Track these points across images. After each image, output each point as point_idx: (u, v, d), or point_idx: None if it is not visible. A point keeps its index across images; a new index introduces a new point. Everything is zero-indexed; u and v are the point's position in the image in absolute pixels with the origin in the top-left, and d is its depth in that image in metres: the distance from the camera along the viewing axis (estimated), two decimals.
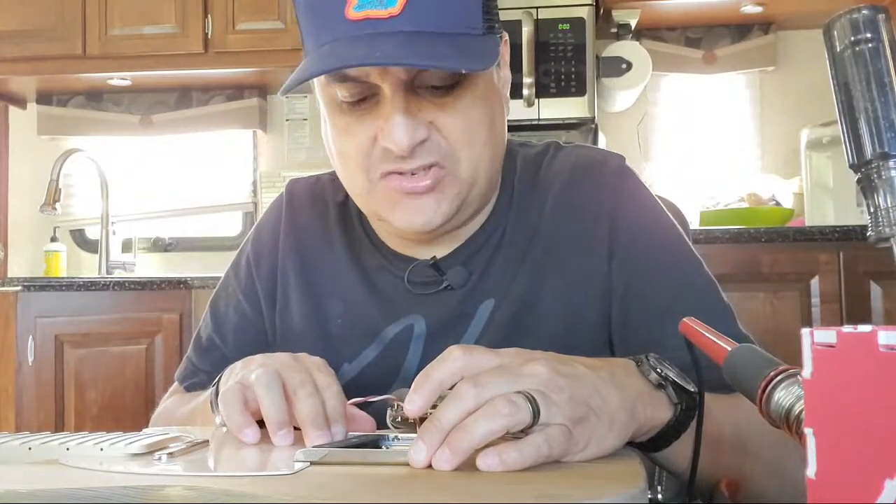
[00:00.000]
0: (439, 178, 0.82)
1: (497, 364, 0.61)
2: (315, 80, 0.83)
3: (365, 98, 0.81)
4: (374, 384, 0.86)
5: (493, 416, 0.55)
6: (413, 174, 0.81)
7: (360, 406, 0.76)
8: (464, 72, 0.77)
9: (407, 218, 0.84)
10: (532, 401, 0.56)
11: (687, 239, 0.92)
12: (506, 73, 0.89)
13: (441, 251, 0.92)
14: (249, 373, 0.73)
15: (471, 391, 0.57)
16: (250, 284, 1.00)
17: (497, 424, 0.55)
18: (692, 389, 0.67)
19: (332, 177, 1.01)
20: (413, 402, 0.59)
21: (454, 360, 0.60)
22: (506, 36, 0.88)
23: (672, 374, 0.67)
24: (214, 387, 0.81)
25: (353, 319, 0.93)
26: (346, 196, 0.99)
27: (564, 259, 0.89)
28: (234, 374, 0.77)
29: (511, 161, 0.95)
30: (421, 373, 0.61)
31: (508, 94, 0.90)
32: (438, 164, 0.81)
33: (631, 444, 0.65)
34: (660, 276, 0.87)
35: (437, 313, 0.90)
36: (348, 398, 0.75)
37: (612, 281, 0.87)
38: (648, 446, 0.68)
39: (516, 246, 0.91)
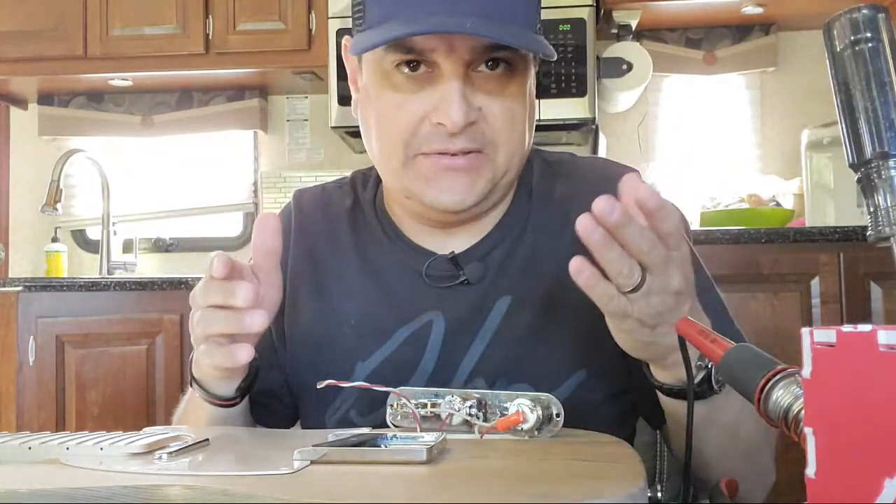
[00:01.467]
0: (479, 162, 0.85)
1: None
2: (367, 55, 0.87)
3: (420, 75, 0.84)
4: (390, 381, 0.87)
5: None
6: (453, 156, 0.85)
7: (364, 392, 0.77)
8: (540, 56, 0.83)
9: (441, 195, 0.87)
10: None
11: (697, 255, 0.94)
12: (534, 71, 0.92)
13: (458, 245, 0.94)
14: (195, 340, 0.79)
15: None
16: None
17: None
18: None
19: (338, 184, 1.05)
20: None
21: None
22: None
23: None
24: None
25: (367, 320, 0.94)
26: (355, 201, 1.01)
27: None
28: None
29: (528, 163, 0.97)
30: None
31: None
32: (480, 150, 0.85)
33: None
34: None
35: (454, 308, 0.92)
36: (362, 409, 0.76)
37: None
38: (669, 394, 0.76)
39: (536, 248, 0.93)
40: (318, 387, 0.78)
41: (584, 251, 0.88)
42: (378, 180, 1.02)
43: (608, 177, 0.94)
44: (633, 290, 0.67)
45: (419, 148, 0.85)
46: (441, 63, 0.83)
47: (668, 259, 0.67)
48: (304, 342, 0.96)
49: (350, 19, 0.91)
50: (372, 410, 0.89)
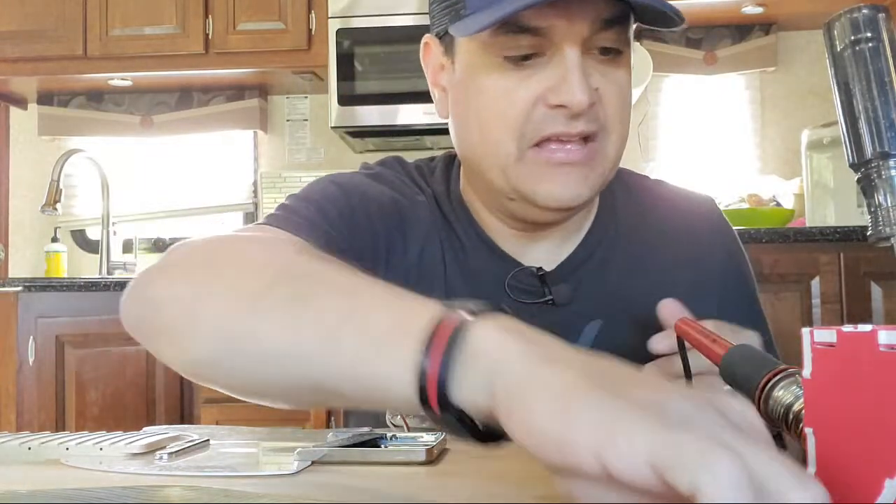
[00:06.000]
0: (592, 153, 0.80)
1: None
2: (465, 39, 0.81)
3: (530, 57, 0.79)
4: None
5: None
6: (568, 145, 0.79)
7: None
8: (677, 23, 0.77)
9: (555, 190, 0.81)
10: None
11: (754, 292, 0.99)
12: None
13: (540, 254, 0.89)
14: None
15: None
16: (349, 230, 0.86)
17: None
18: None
19: (395, 173, 0.94)
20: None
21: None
22: None
23: None
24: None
25: None
26: (434, 193, 0.93)
27: (678, 290, 0.85)
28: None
29: (613, 181, 0.90)
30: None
31: None
32: (596, 135, 0.80)
33: None
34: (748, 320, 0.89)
35: (540, 326, 0.85)
36: None
37: (720, 313, 0.84)
38: None
39: (628, 273, 0.90)
40: None
41: (677, 278, 0.90)
42: (449, 175, 0.94)
43: (685, 206, 0.97)
44: None
45: (534, 136, 0.79)
46: (557, 40, 0.77)
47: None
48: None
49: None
50: None
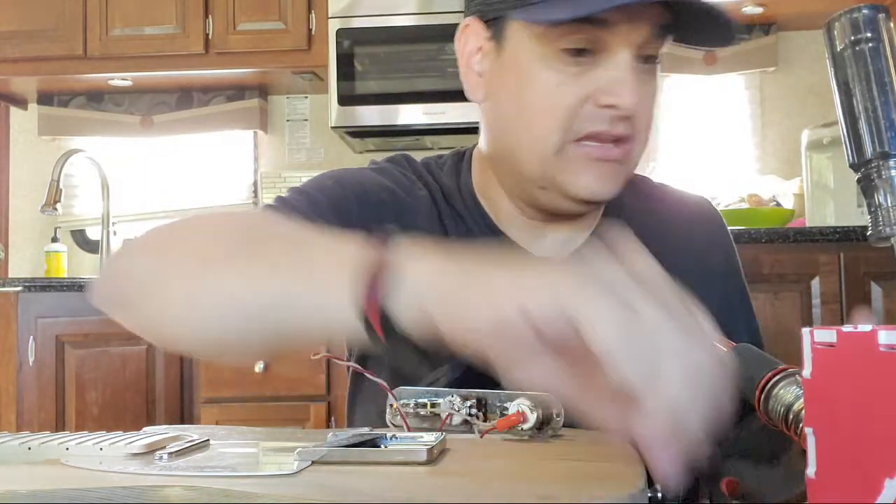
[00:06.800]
0: (625, 153, 0.84)
1: None
2: (520, 26, 0.83)
3: (584, 52, 0.81)
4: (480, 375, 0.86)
5: None
6: (606, 143, 0.83)
7: (358, 375, 0.76)
8: (733, 37, 0.82)
9: (591, 184, 0.84)
10: None
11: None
12: None
13: (549, 244, 0.92)
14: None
15: None
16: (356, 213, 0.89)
17: None
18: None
19: (399, 169, 0.95)
20: None
21: None
22: None
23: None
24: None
25: None
26: (441, 187, 0.94)
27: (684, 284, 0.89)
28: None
29: None
30: None
31: None
32: (629, 137, 0.84)
33: None
34: (743, 319, 0.97)
35: None
36: (456, 376, 0.75)
37: (720, 309, 0.88)
38: None
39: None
40: (312, 357, 0.76)
41: (683, 273, 0.89)
42: (459, 170, 0.96)
43: (685, 204, 1.02)
44: None
45: (579, 132, 0.82)
46: (616, 41, 0.80)
47: None
48: None
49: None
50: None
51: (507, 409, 0.72)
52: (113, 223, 3.15)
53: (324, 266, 0.56)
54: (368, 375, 0.80)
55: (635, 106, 0.81)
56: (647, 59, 0.83)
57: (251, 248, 0.61)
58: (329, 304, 0.55)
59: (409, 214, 0.91)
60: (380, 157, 1.00)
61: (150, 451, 0.62)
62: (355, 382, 1.00)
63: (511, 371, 0.49)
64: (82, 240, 3.36)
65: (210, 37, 2.91)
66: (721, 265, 1.00)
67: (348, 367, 0.92)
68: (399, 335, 0.52)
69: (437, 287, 0.51)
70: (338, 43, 2.75)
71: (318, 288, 0.55)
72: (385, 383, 0.77)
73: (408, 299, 0.51)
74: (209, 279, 0.60)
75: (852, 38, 0.48)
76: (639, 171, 0.99)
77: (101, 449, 0.62)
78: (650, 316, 0.46)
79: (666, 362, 0.45)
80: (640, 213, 0.97)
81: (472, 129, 1.07)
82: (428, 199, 0.92)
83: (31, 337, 2.57)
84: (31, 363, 2.57)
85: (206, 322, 0.61)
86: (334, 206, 0.87)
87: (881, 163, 0.47)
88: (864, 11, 0.48)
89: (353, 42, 2.75)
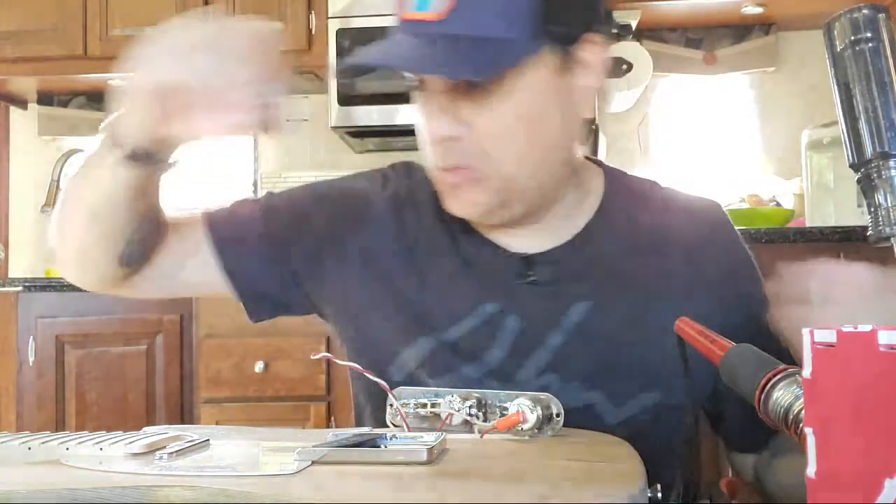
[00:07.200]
0: (472, 178, 0.85)
1: None
2: None
3: (421, 86, 0.86)
4: (459, 358, 0.89)
5: None
6: (454, 171, 0.86)
7: (438, 351, 0.77)
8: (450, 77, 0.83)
9: (454, 206, 0.89)
10: None
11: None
12: (588, 79, 0.87)
13: (530, 244, 0.93)
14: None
15: None
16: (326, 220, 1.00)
17: None
18: None
19: (397, 173, 1.03)
20: None
21: None
22: (597, 44, 0.87)
23: None
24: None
25: (450, 295, 0.93)
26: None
27: (677, 292, 0.91)
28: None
29: (613, 182, 0.97)
30: None
31: (590, 101, 0.90)
32: (469, 167, 0.85)
33: None
34: (756, 320, 0.91)
35: (528, 305, 0.91)
36: (433, 371, 0.79)
37: (724, 320, 0.86)
38: None
39: (625, 266, 0.92)
40: (313, 357, 0.78)
41: (677, 273, 0.93)
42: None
43: (687, 210, 0.99)
44: None
45: (437, 162, 0.87)
46: (426, 79, 0.84)
47: None
48: (386, 302, 0.94)
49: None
50: (446, 372, 0.89)
51: (507, 409, 0.72)
52: None
53: (99, 153, 0.86)
54: (368, 375, 0.80)
55: (446, 134, 0.83)
56: (474, 84, 0.82)
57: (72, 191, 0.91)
58: (110, 163, 0.83)
59: (366, 211, 0.98)
60: (379, 157, 1.04)
61: (150, 451, 0.62)
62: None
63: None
64: None
65: None
66: (723, 272, 0.95)
67: (349, 367, 0.92)
68: (132, 149, 0.85)
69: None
70: (338, 43, 2.75)
71: (96, 160, 0.86)
72: (385, 383, 0.77)
73: (128, 125, 0.83)
74: (63, 221, 0.91)
75: (852, 38, 0.48)
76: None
77: (101, 449, 0.62)
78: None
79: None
80: (634, 212, 0.96)
81: None
82: (390, 198, 0.98)
83: (31, 337, 2.57)
84: (31, 363, 2.57)
85: (70, 242, 0.91)
86: (293, 205, 1.03)
87: (881, 163, 0.46)
88: (864, 11, 0.48)
89: (353, 42, 2.75)
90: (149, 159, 0.84)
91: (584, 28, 0.85)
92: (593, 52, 0.86)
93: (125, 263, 0.91)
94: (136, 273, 0.94)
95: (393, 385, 0.83)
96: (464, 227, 0.95)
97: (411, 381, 0.88)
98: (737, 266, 0.97)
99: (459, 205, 0.88)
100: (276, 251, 0.98)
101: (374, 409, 0.95)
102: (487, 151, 0.84)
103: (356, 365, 0.85)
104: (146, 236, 0.92)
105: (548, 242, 0.93)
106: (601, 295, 0.90)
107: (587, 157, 0.99)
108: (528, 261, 0.92)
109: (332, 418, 2.41)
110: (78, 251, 0.91)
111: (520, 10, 0.80)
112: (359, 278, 0.96)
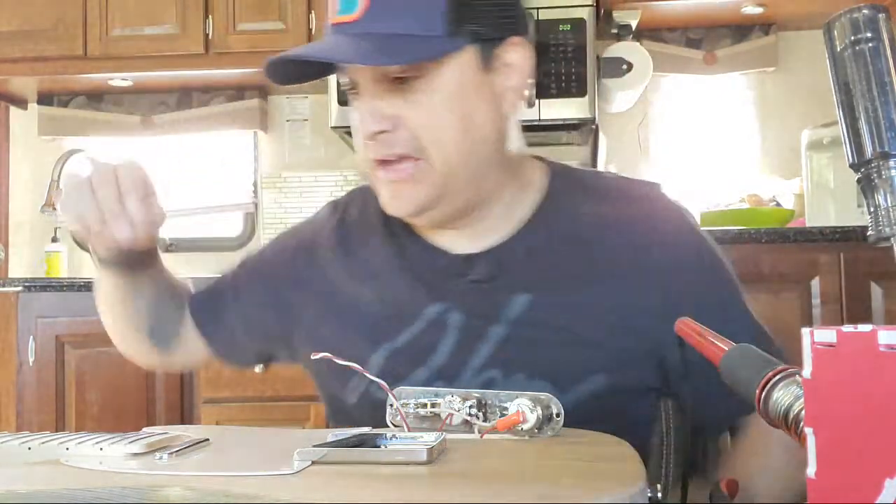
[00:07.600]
0: (415, 170, 0.88)
1: None
2: None
3: (355, 89, 0.90)
4: (405, 365, 0.91)
5: None
6: (390, 164, 0.89)
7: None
8: (366, 64, 0.87)
9: (390, 203, 0.92)
10: None
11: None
12: (511, 79, 0.92)
13: (471, 244, 0.96)
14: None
15: None
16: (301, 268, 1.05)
17: None
18: None
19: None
20: None
21: None
22: (519, 45, 0.92)
23: None
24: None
25: (390, 305, 0.96)
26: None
27: (619, 275, 0.93)
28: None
29: (556, 177, 1.00)
30: None
31: (515, 99, 0.93)
32: (410, 155, 0.88)
33: None
34: (713, 298, 0.95)
35: (469, 303, 0.93)
36: (388, 382, 0.82)
37: (666, 300, 0.91)
38: None
39: (564, 255, 0.95)
40: (312, 357, 0.80)
41: (618, 258, 0.95)
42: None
43: (630, 196, 1.00)
44: None
45: (372, 158, 0.90)
46: (357, 76, 0.89)
47: None
48: (331, 316, 1.00)
49: None
50: (398, 380, 0.91)
51: (507, 409, 0.72)
52: None
53: None
54: (368, 376, 0.80)
55: (377, 129, 0.87)
56: (401, 79, 0.87)
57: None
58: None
59: (313, 247, 1.05)
60: None
61: (150, 451, 0.62)
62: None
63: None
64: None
65: (210, 37, 2.91)
66: (669, 256, 0.95)
67: (348, 368, 0.93)
68: None
69: None
70: None
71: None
72: (385, 384, 0.78)
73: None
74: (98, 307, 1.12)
75: (852, 38, 0.48)
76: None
77: (101, 449, 0.62)
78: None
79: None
80: (574, 203, 0.98)
81: None
82: (335, 227, 1.04)
83: (31, 337, 2.57)
84: (31, 363, 2.57)
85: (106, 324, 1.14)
86: (262, 262, 1.11)
87: (881, 163, 0.46)
88: (864, 11, 0.48)
89: None
90: (115, 264, 1.01)
91: (507, 30, 0.90)
92: (516, 53, 0.91)
93: (155, 343, 1.10)
94: (177, 346, 1.11)
95: (353, 404, 0.90)
96: (411, 239, 0.99)
97: (367, 397, 0.91)
98: (684, 247, 0.97)
99: (398, 202, 0.91)
100: (251, 312, 1.08)
101: (335, 411, 1.01)
102: (419, 139, 0.87)
103: (356, 365, 0.86)
104: (162, 317, 1.08)
105: (489, 241, 0.96)
106: (540, 285, 0.92)
107: (535, 156, 1.02)
108: (468, 260, 0.96)
109: None
110: (113, 333, 1.15)
111: (435, 11, 0.86)
112: (324, 311, 1.01)
